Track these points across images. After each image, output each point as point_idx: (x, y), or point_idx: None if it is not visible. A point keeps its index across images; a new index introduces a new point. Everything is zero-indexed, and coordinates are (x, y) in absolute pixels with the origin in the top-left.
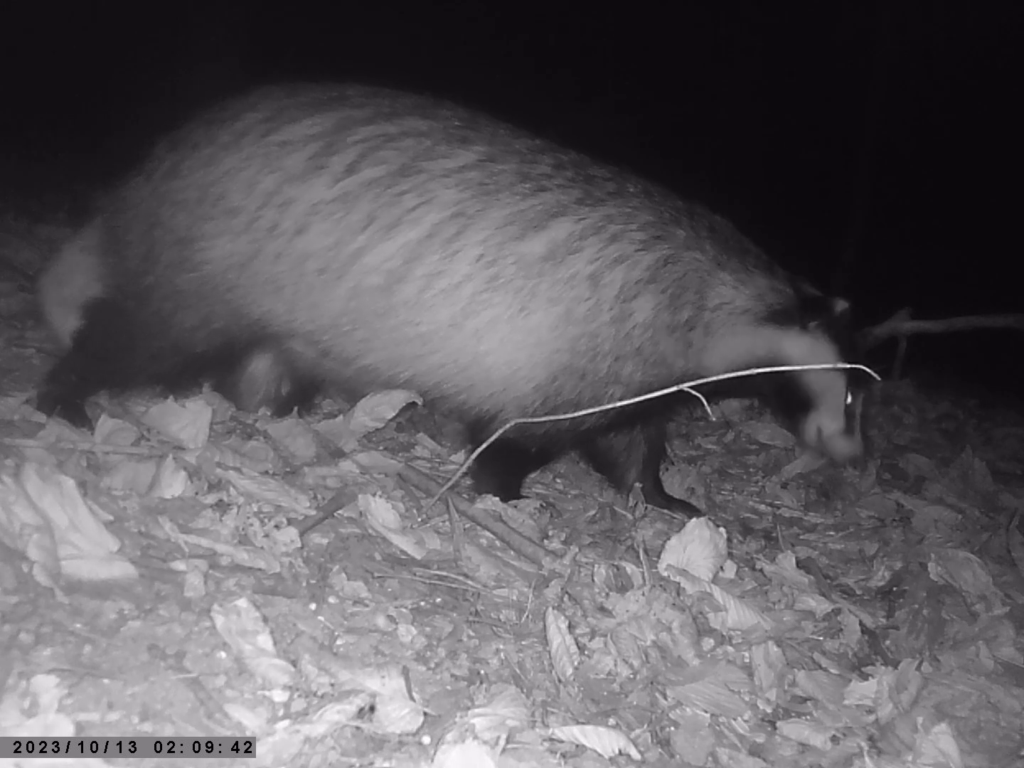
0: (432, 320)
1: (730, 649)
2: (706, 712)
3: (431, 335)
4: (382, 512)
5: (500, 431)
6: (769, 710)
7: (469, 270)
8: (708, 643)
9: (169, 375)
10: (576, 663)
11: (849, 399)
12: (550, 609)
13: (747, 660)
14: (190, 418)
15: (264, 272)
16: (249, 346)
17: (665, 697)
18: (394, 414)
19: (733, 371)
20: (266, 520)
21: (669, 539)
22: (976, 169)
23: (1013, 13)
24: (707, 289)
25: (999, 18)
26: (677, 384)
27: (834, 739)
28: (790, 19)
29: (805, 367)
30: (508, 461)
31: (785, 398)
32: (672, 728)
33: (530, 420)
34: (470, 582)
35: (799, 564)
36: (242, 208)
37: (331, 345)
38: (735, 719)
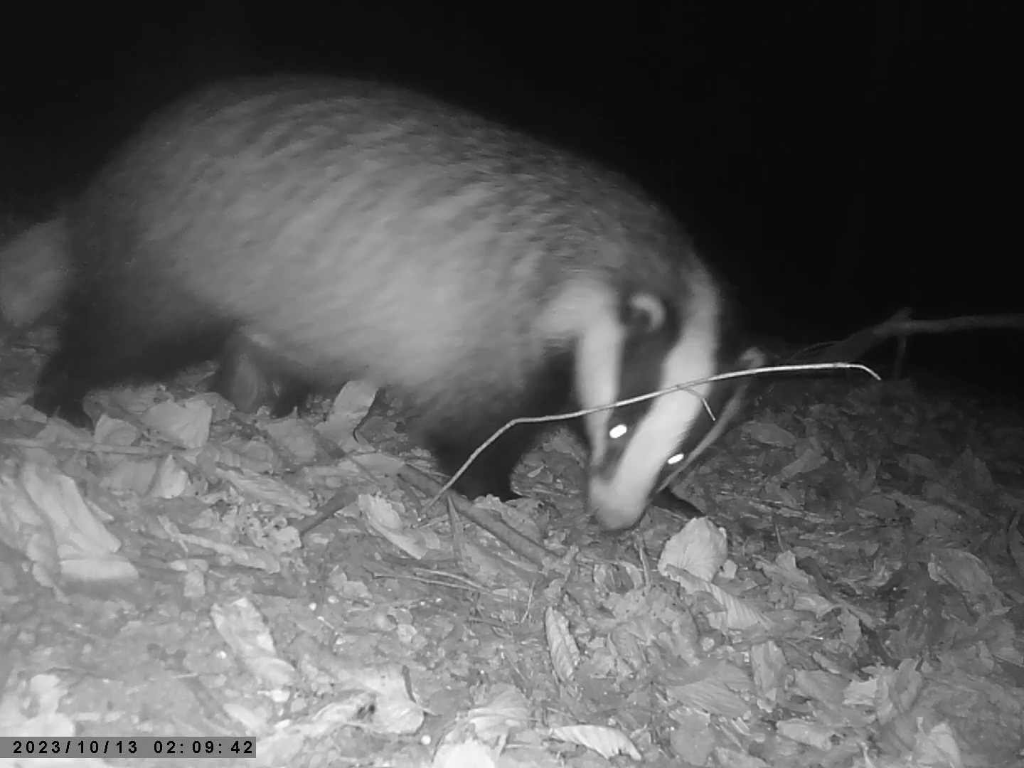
0: (348, 292)
1: (730, 649)
2: (706, 712)
3: (349, 309)
4: (382, 512)
5: (501, 431)
6: (769, 710)
7: (381, 238)
8: (708, 643)
9: (147, 363)
10: (576, 663)
11: (616, 432)
12: (550, 609)
13: (747, 660)
14: (190, 418)
15: (198, 245)
16: (210, 333)
17: (665, 697)
18: (371, 400)
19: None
20: (266, 520)
21: (669, 539)
22: (976, 169)
23: (1013, 13)
24: (587, 243)
25: (999, 18)
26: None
27: (834, 739)
28: (790, 19)
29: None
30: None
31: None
32: (672, 728)
33: (532, 420)
34: (470, 582)
35: (799, 564)
36: (176, 183)
37: (263, 325)
38: (735, 719)
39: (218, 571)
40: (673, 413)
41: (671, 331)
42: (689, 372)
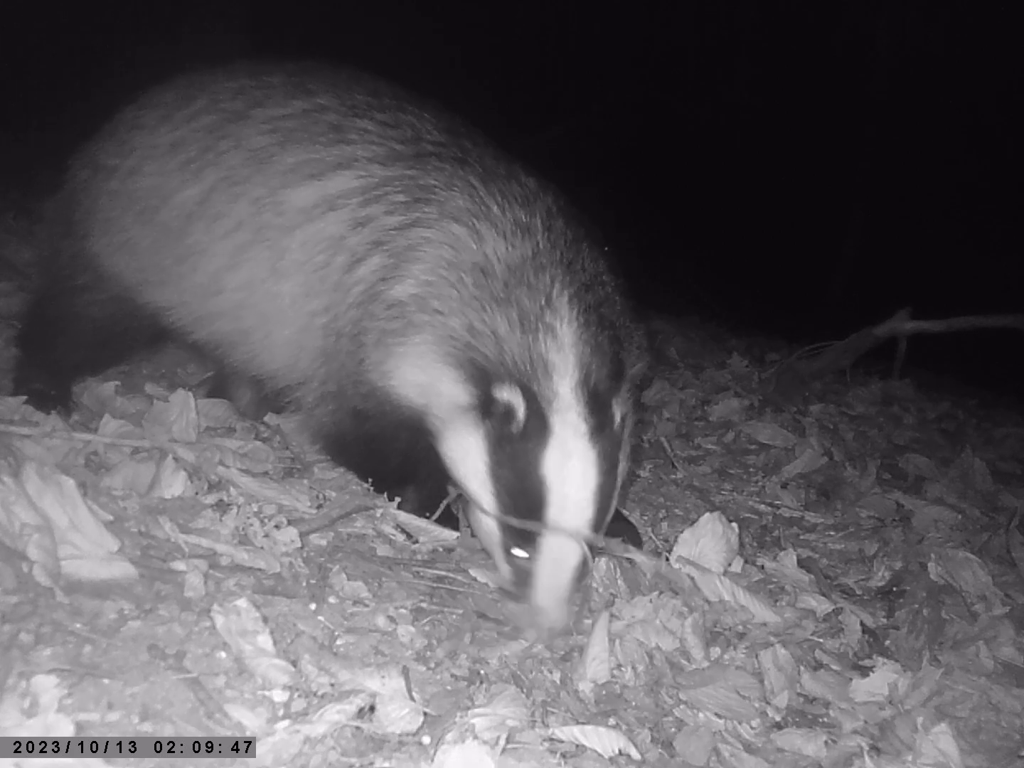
0: (207, 268)
1: (738, 655)
2: (719, 717)
3: (209, 287)
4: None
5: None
6: (778, 718)
7: (243, 216)
8: (715, 651)
9: (83, 351)
10: None
11: (517, 552)
12: None
13: (757, 666)
14: (177, 410)
15: (102, 217)
16: (129, 317)
17: (667, 697)
18: None
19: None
20: (266, 520)
21: (683, 532)
22: (977, 169)
23: (1013, 13)
24: (428, 288)
25: (1000, 17)
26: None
27: (834, 739)
28: (790, 19)
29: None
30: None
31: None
32: (673, 728)
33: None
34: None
35: (799, 563)
36: (100, 163)
37: (161, 303)
38: (742, 723)
39: (218, 571)
40: (574, 518)
41: (539, 425)
42: (574, 471)
